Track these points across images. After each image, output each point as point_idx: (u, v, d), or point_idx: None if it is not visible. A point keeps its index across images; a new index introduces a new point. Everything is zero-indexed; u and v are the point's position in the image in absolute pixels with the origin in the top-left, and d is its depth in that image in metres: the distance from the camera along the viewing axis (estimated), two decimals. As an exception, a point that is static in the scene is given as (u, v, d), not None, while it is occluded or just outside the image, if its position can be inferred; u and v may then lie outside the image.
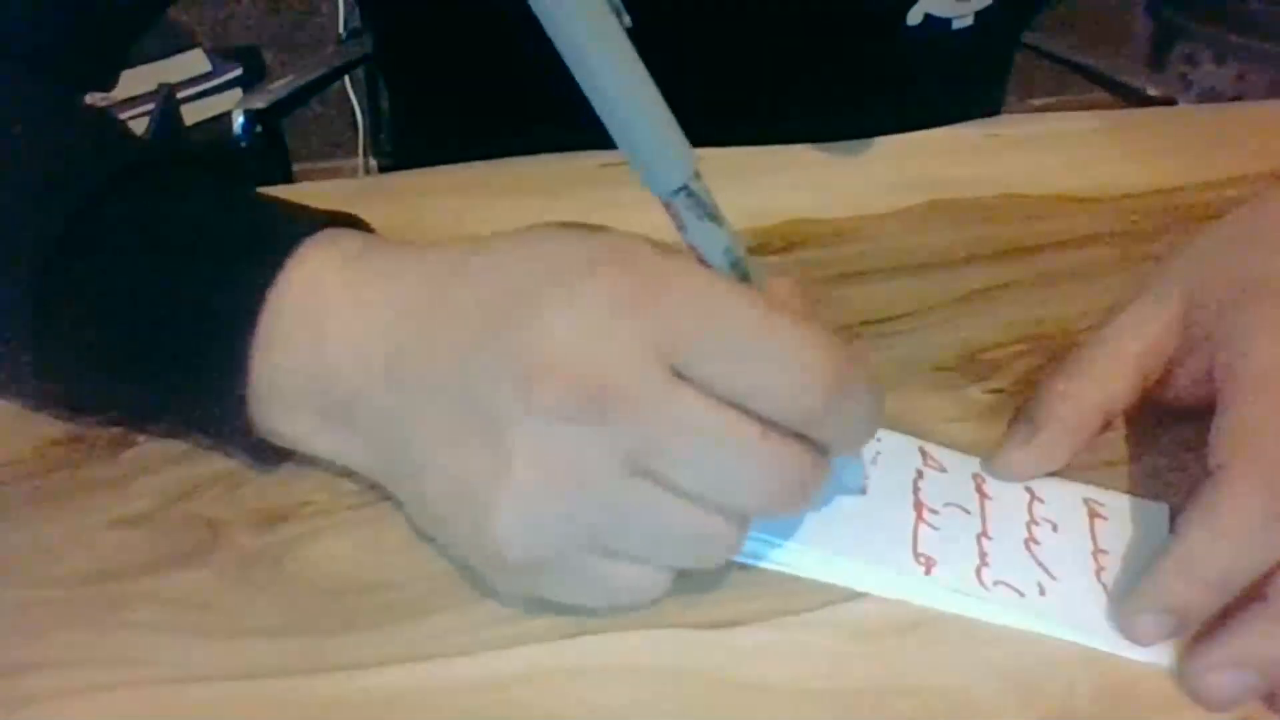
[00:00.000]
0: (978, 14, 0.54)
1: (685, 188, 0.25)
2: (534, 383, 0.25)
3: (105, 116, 0.37)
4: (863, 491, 0.33)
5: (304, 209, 0.33)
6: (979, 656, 0.29)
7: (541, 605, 0.29)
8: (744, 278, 0.27)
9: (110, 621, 0.29)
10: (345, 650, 0.29)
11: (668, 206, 0.26)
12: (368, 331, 0.29)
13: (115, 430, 0.35)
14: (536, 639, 0.29)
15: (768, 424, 0.26)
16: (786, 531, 0.31)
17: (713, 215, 0.26)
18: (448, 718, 0.27)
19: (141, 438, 0.35)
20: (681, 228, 0.26)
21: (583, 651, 0.29)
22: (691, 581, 0.31)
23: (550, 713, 0.27)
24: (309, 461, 0.33)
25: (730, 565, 0.31)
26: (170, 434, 0.35)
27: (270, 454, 0.32)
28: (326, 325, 0.30)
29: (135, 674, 0.28)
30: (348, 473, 0.33)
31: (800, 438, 0.26)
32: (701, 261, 0.27)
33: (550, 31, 0.23)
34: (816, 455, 0.27)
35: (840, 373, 0.26)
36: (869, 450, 0.35)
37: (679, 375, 0.25)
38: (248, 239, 0.31)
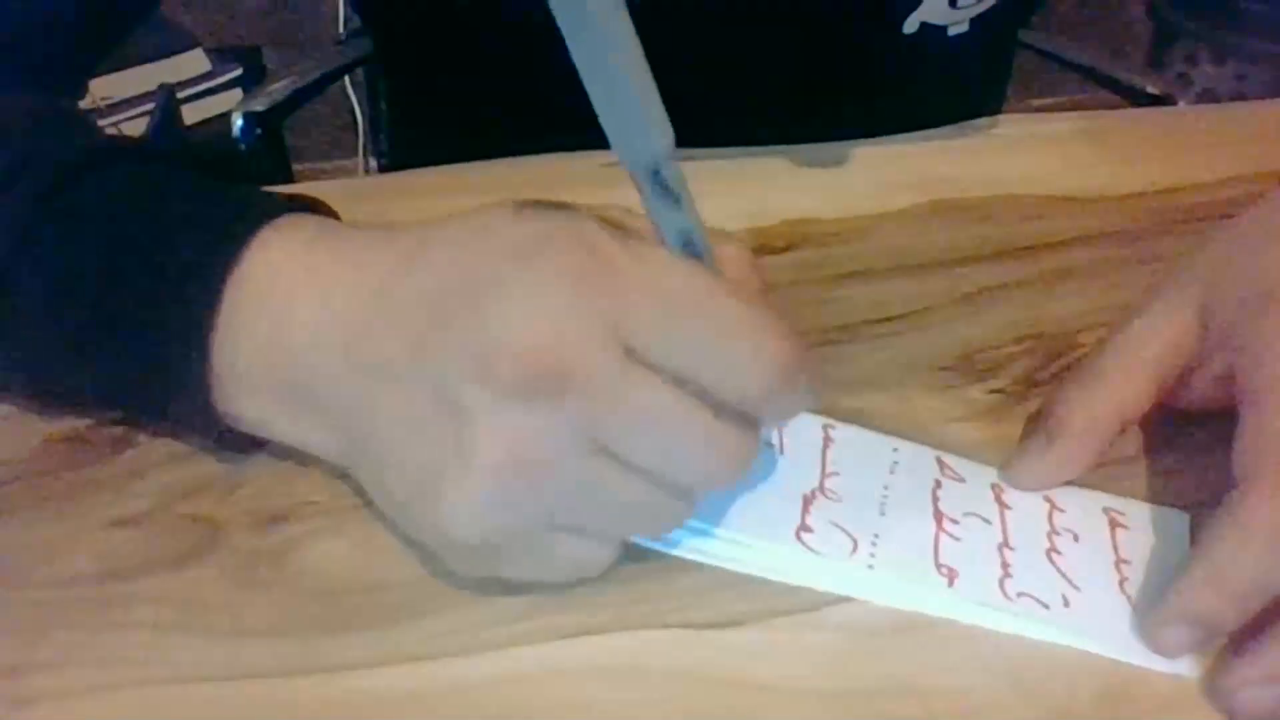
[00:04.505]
0: (973, 20, 0.54)
1: (655, 168, 0.25)
2: (489, 362, 0.25)
3: (69, 112, 0.37)
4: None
5: (266, 194, 0.33)
6: (979, 656, 0.29)
7: (541, 605, 0.29)
8: (701, 259, 0.27)
9: (110, 621, 0.29)
10: (345, 650, 0.29)
11: (634, 179, 0.26)
12: (328, 315, 0.29)
13: (115, 430, 0.35)
14: (536, 639, 0.29)
15: (716, 404, 0.26)
16: (807, 542, 0.31)
17: (677, 198, 0.26)
18: (447, 718, 0.27)
19: (142, 438, 0.35)
20: (645, 203, 0.26)
21: (583, 651, 0.29)
22: (692, 581, 0.31)
23: (550, 713, 0.27)
24: (309, 461, 0.33)
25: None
26: (135, 422, 0.35)
27: (234, 441, 0.32)
28: (287, 308, 0.30)
29: (135, 674, 0.28)
30: (348, 473, 0.33)
31: (741, 415, 0.27)
32: (661, 240, 0.27)
33: None
34: (754, 430, 0.28)
35: (788, 357, 0.26)
36: (886, 461, 0.35)
37: (632, 355, 0.26)
38: (209, 222, 0.31)
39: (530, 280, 0.26)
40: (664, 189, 0.26)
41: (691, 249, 0.27)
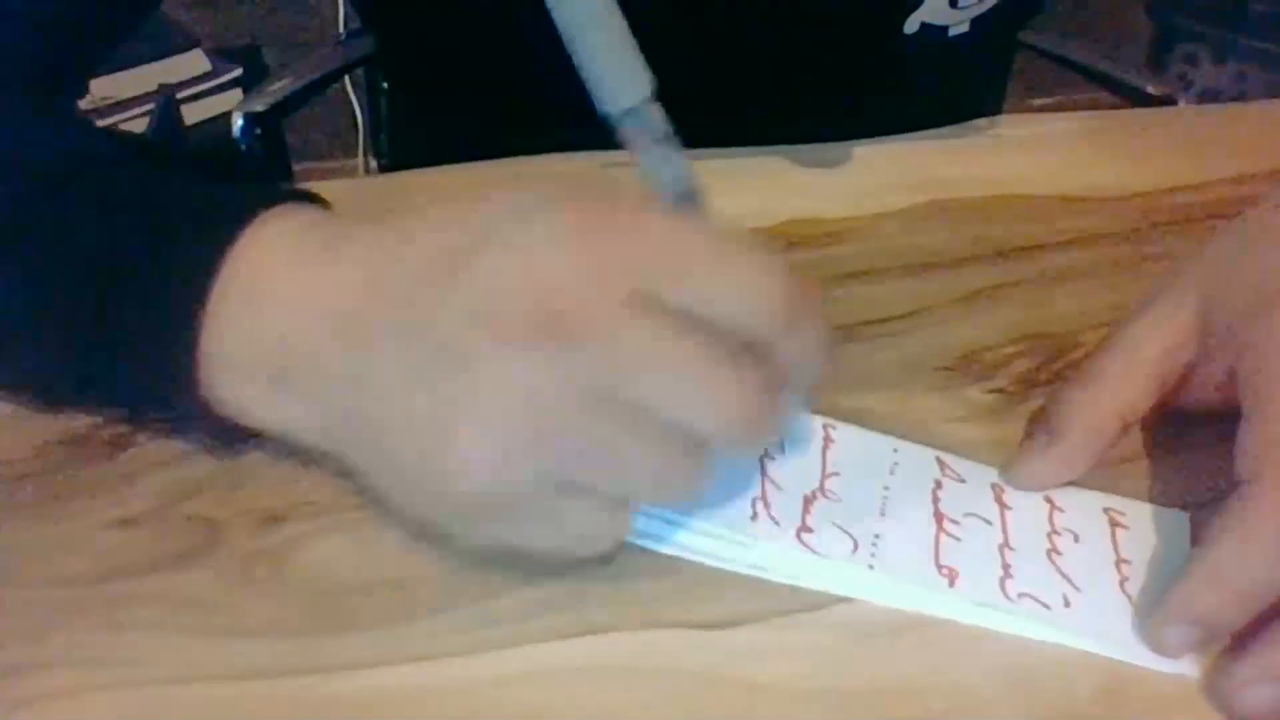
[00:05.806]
0: (974, 20, 0.54)
1: (636, 110, 0.26)
2: (493, 310, 0.25)
3: (64, 113, 0.37)
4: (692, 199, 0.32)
5: (264, 186, 0.33)
6: (979, 656, 0.29)
7: (541, 605, 0.29)
8: (694, 205, 0.28)
9: (110, 621, 0.29)
10: (344, 650, 0.29)
11: (620, 129, 0.26)
12: (315, 296, 0.29)
13: (115, 430, 0.35)
14: (536, 639, 0.29)
15: (730, 348, 0.26)
16: (808, 543, 0.31)
17: (665, 140, 0.27)
18: (448, 718, 0.27)
19: (141, 437, 0.35)
20: (634, 152, 0.27)
21: (583, 651, 0.29)
22: (692, 581, 0.31)
23: (550, 713, 0.27)
24: (309, 461, 0.33)
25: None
26: (136, 421, 0.35)
27: (225, 432, 0.32)
28: (276, 293, 0.30)
29: (135, 674, 0.28)
30: (348, 473, 0.33)
31: (761, 369, 0.27)
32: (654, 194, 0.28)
33: None
34: (774, 384, 0.27)
35: (792, 293, 0.27)
36: (886, 461, 0.34)
37: (638, 302, 0.26)
38: (208, 208, 0.31)
39: (532, 233, 0.26)
40: (650, 131, 0.26)
41: (687, 195, 0.27)
